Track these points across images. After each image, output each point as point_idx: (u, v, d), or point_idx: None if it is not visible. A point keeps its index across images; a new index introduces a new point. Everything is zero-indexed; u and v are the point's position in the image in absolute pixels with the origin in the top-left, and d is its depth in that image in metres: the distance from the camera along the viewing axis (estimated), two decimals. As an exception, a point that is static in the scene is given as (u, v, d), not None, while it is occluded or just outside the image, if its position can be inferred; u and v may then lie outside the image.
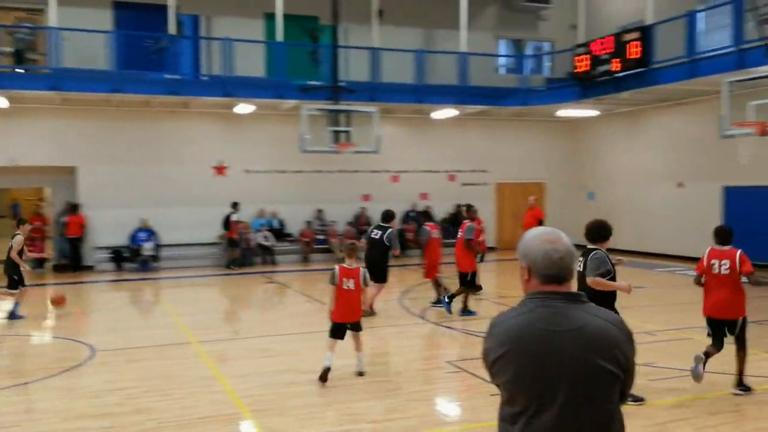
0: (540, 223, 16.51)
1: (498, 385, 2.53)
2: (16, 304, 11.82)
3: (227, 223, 18.89)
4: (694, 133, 18.83)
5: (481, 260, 12.86)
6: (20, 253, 11.81)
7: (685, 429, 6.08)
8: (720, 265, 7.21)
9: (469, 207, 12.45)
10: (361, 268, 7.90)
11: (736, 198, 17.72)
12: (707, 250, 7.53)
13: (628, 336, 2.47)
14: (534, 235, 2.55)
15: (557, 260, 2.46)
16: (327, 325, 7.92)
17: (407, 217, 21.55)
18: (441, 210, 22.21)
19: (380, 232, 11.79)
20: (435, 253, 12.35)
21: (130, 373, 8.17)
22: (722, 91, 13.61)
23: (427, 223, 13.13)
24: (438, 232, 12.78)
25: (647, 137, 20.94)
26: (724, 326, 7.26)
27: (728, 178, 17.71)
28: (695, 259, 19.10)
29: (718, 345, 7.31)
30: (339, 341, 7.81)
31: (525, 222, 17.41)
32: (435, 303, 12.42)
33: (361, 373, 7.86)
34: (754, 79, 13.41)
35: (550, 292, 2.47)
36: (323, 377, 7.52)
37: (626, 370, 2.44)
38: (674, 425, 6.16)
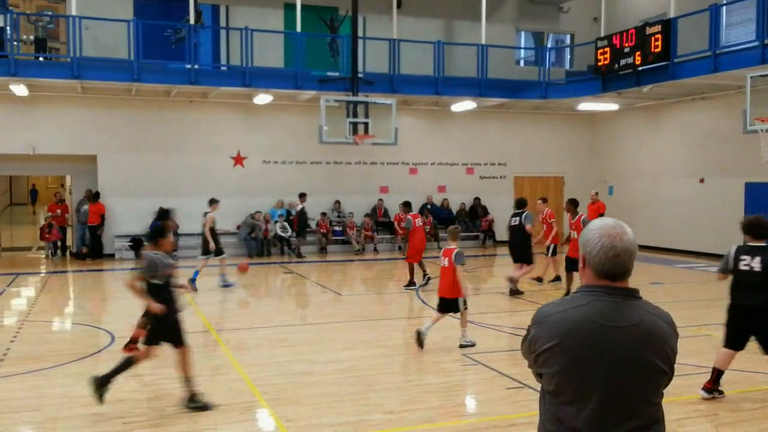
0: (601, 216, 16.57)
1: (540, 374, 2.54)
2: None
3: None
4: (716, 128, 18.62)
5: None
6: None
7: (702, 425, 6.03)
8: None
9: (544, 200, 15.24)
10: (455, 249, 8.70)
11: (758, 194, 17.50)
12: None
13: (676, 333, 2.50)
14: (597, 226, 2.50)
15: (612, 257, 2.42)
16: (343, 317, 7.95)
17: (423, 210, 21.50)
18: (457, 202, 22.18)
19: (518, 218, 13.15)
20: (418, 240, 13.61)
21: (148, 361, 8.22)
22: (745, 86, 13.46)
23: (410, 213, 14.09)
24: (421, 221, 14.04)
25: (668, 132, 20.73)
26: None
27: (750, 175, 17.49)
28: (715, 256, 19.03)
29: None
30: (440, 316, 8.84)
31: (588, 217, 17.50)
32: (407, 286, 13.76)
33: (462, 346, 8.66)
34: (778, 73, 13.24)
35: (606, 287, 2.45)
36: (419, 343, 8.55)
37: (673, 365, 2.48)
38: (691, 422, 6.12)
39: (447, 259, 8.67)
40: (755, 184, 17.57)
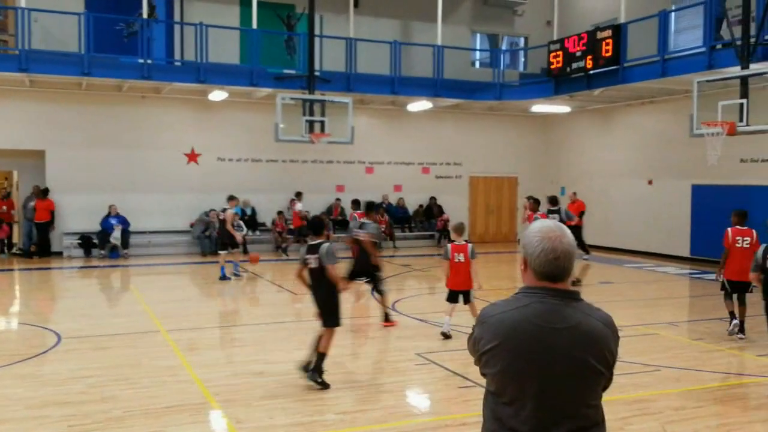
0: (581, 215, 17.07)
1: (484, 374, 2.57)
2: None
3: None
4: (665, 132, 19.10)
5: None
6: None
7: (648, 423, 6.18)
8: (743, 241, 9.38)
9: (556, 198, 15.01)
10: (468, 244, 9.31)
11: (704, 196, 18.02)
12: (730, 229, 9.54)
13: (616, 335, 2.53)
14: (536, 228, 2.53)
15: (552, 259, 2.45)
16: (300, 316, 7.91)
17: (379, 209, 21.53)
18: (413, 201, 22.29)
19: (556, 215, 13.97)
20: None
21: (97, 361, 8.08)
22: (692, 91, 13.83)
23: (356, 212, 14.44)
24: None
25: (618, 134, 21.18)
26: (743, 287, 9.35)
27: (697, 177, 18.00)
28: (663, 256, 19.47)
29: (740, 301, 9.46)
30: (453, 305, 9.35)
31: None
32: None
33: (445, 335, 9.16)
34: (723, 79, 13.64)
35: (546, 288, 2.48)
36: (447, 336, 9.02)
37: (611, 368, 2.51)
38: (638, 420, 6.26)
39: (462, 254, 9.22)
40: (702, 186, 18.08)
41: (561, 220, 13.91)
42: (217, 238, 17.04)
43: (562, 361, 2.41)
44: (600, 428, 2.52)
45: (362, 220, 11.00)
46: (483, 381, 2.61)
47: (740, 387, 7.63)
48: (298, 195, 19.80)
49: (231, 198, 15.20)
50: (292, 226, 19.89)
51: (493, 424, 2.52)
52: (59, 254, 18.28)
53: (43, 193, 18.07)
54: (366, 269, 10.28)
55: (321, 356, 7.08)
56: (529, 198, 14.68)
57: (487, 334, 2.50)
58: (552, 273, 2.47)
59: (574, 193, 18.28)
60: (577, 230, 15.18)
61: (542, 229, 2.51)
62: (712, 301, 11.47)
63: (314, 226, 7.43)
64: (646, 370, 7.88)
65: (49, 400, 6.61)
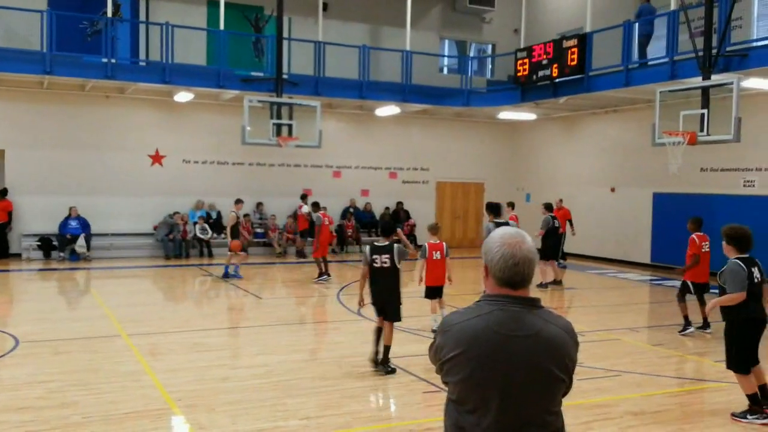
0: (569, 223, 17.71)
1: (446, 382, 2.58)
2: None
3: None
4: (628, 140, 19.42)
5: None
6: None
7: (608, 428, 6.26)
8: (706, 245, 10.18)
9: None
10: (443, 243, 9.92)
11: (665, 204, 18.36)
12: (695, 235, 10.22)
13: (575, 341, 2.55)
14: (497, 235, 2.55)
15: (512, 266, 2.47)
16: (264, 320, 7.85)
17: (346, 213, 21.53)
18: (380, 206, 22.32)
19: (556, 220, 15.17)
20: (324, 236, 15.25)
21: (55, 366, 7.91)
22: (655, 101, 14.09)
23: (320, 211, 15.41)
24: (327, 220, 15.61)
25: (583, 142, 21.48)
26: (705, 287, 10.30)
27: (658, 185, 18.33)
28: (625, 263, 19.72)
29: (701, 301, 10.29)
30: (436, 300, 9.96)
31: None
32: (318, 278, 15.10)
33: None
34: (685, 89, 13.92)
35: (507, 296, 2.49)
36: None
37: (571, 374, 2.54)
38: (598, 424, 6.34)
39: (439, 252, 9.81)
40: (663, 195, 18.42)
41: (554, 226, 14.93)
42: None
43: (523, 368, 2.43)
44: (560, 426, 2.55)
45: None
46: (446, 388, 2.63)
47: (698, 392, 7.78)
48: (304, 198, 19.69)
49: (237, 201, 15.72)
50: (298, 229, 19.83)
51: (457, 428, 2.53)
52: (18, 256, 17.88)
53: (1, 193, 17.67)
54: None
55: (387, 348, 7.82)
56: (509, 204, 16.16)
57: (449, 343, 2.51)
58: (512, 279, 2.49)
59: (561, 200, 18.49)
60: (559, 237, 15.64)
61: (503, 235, 2.54)
62: (671, 307, 11.67)
63: (386, 228, 8.18)
64: (607, 375, 7.99)
65: (7, 406, 6.46)
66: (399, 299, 7.92)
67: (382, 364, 7.80)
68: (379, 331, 7.89)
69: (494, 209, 11.67)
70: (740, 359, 6.44)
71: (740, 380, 6.52)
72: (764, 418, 6.42)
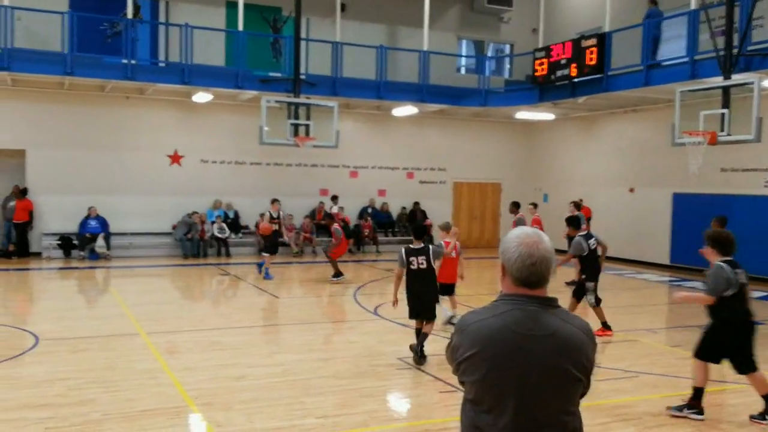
0: (588, 221, 17.39)
1: (462, 382, 2.57)
2: None
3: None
4: (647, 140, 19.26)
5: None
6: None
7: (627, 429, 6.21)
8: None
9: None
10: (457, 242, 10.19)
11: (685, 204, 18.18)
12: None
13: (593, 342, 2.54)
14: (515, 235, 2.55)
15: (529, 266, 2.47)
16: (281, 319, 7.88)
17: (364, 213, 21.54)
18: (397, 206, 22.32)
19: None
20: (342, 248, 15.51)
21: (74, 364, 7.99)
22: (675, 100, 13.95)
23: (337, 224, 15.68)
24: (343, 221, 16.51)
25: (601, 142, 21.33)
26: None
27: (678, 186, 18.16)
28: (644, 263, 19.57)
29: None
30: (450, 297, 10.20)
31: None
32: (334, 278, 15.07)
33: (450, 323, 9.68)
34: (706, 89, 13.78)
35: (524, 296, 2.49)
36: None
37: (589, 374, 2.53)
38: (617, 425, 6.29)
39: (453, 251, 10.07)
40: (682, 195, 18.24)
41: (578, 219, 14.89)
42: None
43: (540, 368, 2.42)
44: (578, 425, 2.54)
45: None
46: (463, 388, 2.62)
47: (717, 394, 7.69)
48: (334, 199, 20.34)
49: (273, 201, 16.31)
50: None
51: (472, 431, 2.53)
52: (38, 255, 18.09)
53: (21, 193, 17.88)
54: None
55: (425, 336, 8.19)
56: (532, 204, 16.42)
57: (465, 342, 2.51)
58: (529, 279, 2.49)
59: (581, 200, 18.41)
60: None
61: (520, 235, 2.54)
62: (690, 308, 11.55)
63: (419, 231, 8.41)
64: (626, 376, 7.93)
65: (26, 403, 6.53)
66: (437, 298, 8.34)
67: (419, 347, 8.12)
68: (418, 332, 8.29)
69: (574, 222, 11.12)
70: (705, 348, 6.65)
71: (696, 367, 6.68)
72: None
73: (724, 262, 6.45)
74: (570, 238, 14.51)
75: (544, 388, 2.43)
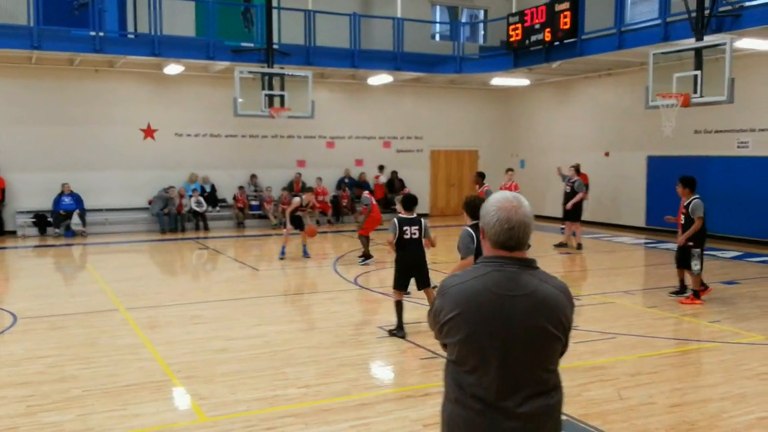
0: (586, 187, 17.77)
1: (445, 345, 2.62)
2: None
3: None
4: (621, 104, 19.36)
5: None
6: None
7: (604, 389, 6.33)
8: None
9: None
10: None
11: (659, 167, 18.36)
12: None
13: (571, 302, 2.60)
14: (494, 199, 2.58)
15: (507, 229, 2.51)
16: (261, 291, 7.84)
17: (341, 184, 21.50)
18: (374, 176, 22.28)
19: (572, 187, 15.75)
20: (374, 217, 13.79)
21: (54, 341, 7.95)
22: (648, 63, 14.00)
23: (367, 192, 14.81)
24: (374, 199, 14.55)
25: (576, 107, 21.40)
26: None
27: (652, 149, 18.32)
28: (620, 226, 19.80)
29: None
30: None
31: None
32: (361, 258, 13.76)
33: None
34: (678, 51, 13.83)
35: (503, 257, 2.53)
36: None
37: (567, 333, 2.58)
38: (595, 386, 6.41)
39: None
40: (657, 158, 18.42)
41: (573, 190, 15.63)
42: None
43: (520, 327, 2.47)
44: (557, 392, 2.60)
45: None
46: (444, 352, 2.65)
47: (693, 353, 7.86)
48: (381, 168, 21.05)
49: (308, 190, 15.43)
50: (377, 197, 19.99)
51: (456, 392, 2.57)
52: (13, 233, 17.85)
53: (-7, 170, 17.59)
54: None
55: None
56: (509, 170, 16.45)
57: (448, 304, 2.55)
58: (506, 243, 2.53)
59: (578, 165, 18.52)
60: (579, 202, 15.99)
61: (500, 200, 2.56)
62: (665, 270, 11.76)
63: (410, 201, 8.38)
64: (603, 338, 8.07)
65: (6, 381, 6.50)
66: (427, 267, 8.32)
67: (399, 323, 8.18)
68: (399, 304, 8.16)
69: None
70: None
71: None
72: None
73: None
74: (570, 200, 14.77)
75: (525, 346, 2.48)
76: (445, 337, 2.60)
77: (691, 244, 9.81)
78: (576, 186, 15.65)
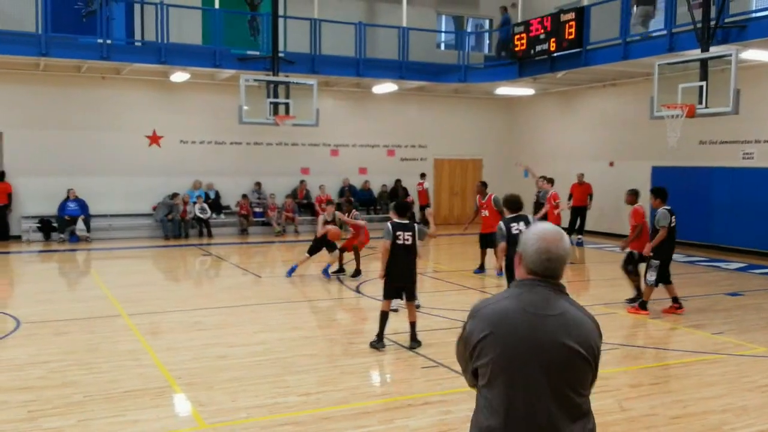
0: (590, 197, 18.37)
1: (476, 369, 2.61)
2: None
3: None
4: (626, 114, 19.34)
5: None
6: None
7: (605, 400, 6.31)
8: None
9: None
10: (492, 195, 11.52)
11: (664, 177, 18.31)
12: (638, 206, 10.59)
13: (599, 332, 2.63)
14: (536, 230, 2.64)
15: (545, 260, 2.57)
16: (261, 299, 7.85)
17: (343, 192, 21.49)
18: (378, 184, 22.31)
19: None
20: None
21: (56, 346, 7.97)
22: (653, 74, 14.00)
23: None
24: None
25: (581, 117, 21.40)
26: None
27: (657, 159, 18.29)
28: (624, 237, 19.79)
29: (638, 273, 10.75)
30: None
31: (575, 197, 18.56)
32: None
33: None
34: (683, 62, 13.82)
35: (536, 280, 2.59)
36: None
37: (596, 361, 2.59)
38: (596, 396, 6.36)
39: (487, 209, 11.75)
40: (661, 168, 18.38)
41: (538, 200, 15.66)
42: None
43: (552, 346, 2.49)
44: (591, 418, 2.60)
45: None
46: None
47: (695, 364, 7.82)
48: (423, 176, 21.31)
49: (331, 203, 14.13)
50: (420, 203, 21.05)
51: (485, 413, 2.57)
52: (18, 238, 17.92)
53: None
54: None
55: (413, 324, 8.11)
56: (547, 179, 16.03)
57: (479, 325, 2.58)
58: (542, 273, 2.59)
59: (582, 175, 18.65)
60: (582, 212, 16.43)
61: (543, 230, 2.63)
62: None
63: (402, 208, 8.26)
64: (605, 348, 7.93)
65: (9, 386, 6.51)
66: (416, 276, 8.12)
67: (413, 341, 8.00)
68: (385, 315, 7.97)
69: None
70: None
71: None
72: None
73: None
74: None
75: (558, 366, 2.50)
76: (476, 360, 2.59)
77: (651, 254, 9.88)
78: (540, 197, 15.73)
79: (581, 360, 2.51)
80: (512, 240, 8.26)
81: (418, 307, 9.78)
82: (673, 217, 9.81)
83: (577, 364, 2.51)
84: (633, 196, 10.79)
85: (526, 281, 2.60)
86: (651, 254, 9.83)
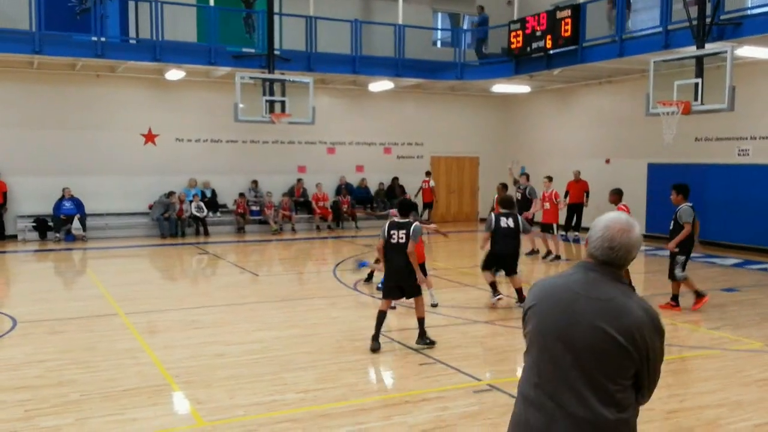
0: (586, 194, 18.37)
1: (525, 336, 2.76)
2: None
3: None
4: (621, 111, 19.38)
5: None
6: None
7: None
8: None
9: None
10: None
11: (659, 174, 18.36)
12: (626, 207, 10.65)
13: (655, 325, 2.56)
14: (608, 217, 2.66)
15: (607, 248, 2.59)
16: (259, 297, 7.85)
17: (340, 190, 21.50)
18: (375, 182, 22.30)
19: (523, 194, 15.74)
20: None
21: (53, 345, 7.95)
22: (649, 71, 14.02)
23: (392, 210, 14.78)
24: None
25: (577, 114, 21.43)
26: None
27: (653, 156, 18.33)
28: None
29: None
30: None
31: (572, 195, 18.44)
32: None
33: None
34: (679, 59, 13.85)
35: (593, 264, 2.63)
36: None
37: (644, 356, 2.52)
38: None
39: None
40: (657, 165, 18.43)
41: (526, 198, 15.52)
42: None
43: (584, 327, 2.52)
44: (626, 411, 2.55)
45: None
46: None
47: (692, 359, 7.85)
48: (428, 174, 21.73)
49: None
50: (424, 201, 21.61)
51: (523, 375, 2.72)
52: (14, 237, 17.87)
53: (-6, 175, 17.62)
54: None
55: (421, 321, 7.94)
56: (548, 178, 15.78)
57: (530, 296, 2.72)
58: (601, 258, 2.61)
59: (578, 173, 18.67)
60: (578, 209, 16.59)
61: (613, 218, 2.64)
62: (665, 277, 11.72)
63: (404, 206, 8.16)
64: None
65: (5, 385, 6.50)
66: (413, 274, 7.82)
67: (421, 338, 7.88)
68: (382, 315, 7.85)
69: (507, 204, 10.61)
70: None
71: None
72: None
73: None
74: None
75: (589, 348, 2.51)
76: (524, 327, 2.74)
77: (676, 250, 9.84)
78: (528, 192, 15.69)
79: (618, 348, 2.47)
80: (498, 232, 9.47)
81: (435, 305, 9.80)
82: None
83: (612, 352, 2.48)
84: (617, 195, 10.95)
85: (583, 263, 2.66)
86: (676, 250, 9.84)
